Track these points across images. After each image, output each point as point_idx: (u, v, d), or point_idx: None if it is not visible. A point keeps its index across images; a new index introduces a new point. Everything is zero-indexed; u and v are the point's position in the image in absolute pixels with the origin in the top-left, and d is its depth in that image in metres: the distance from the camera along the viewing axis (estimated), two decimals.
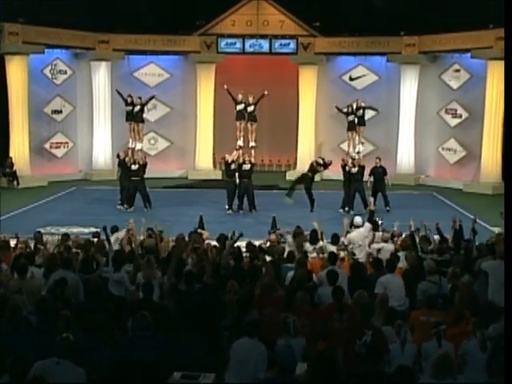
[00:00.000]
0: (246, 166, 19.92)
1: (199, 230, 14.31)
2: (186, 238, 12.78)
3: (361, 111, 21.57)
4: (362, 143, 21.89)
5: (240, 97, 20.90)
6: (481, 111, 24.69)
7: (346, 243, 12.60)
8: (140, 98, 21.50)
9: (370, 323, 7.58)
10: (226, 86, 21.15)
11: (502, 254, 9.94)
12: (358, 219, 13.63)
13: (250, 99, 20.88)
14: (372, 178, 20.49)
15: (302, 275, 9.47)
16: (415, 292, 9.60)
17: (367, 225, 13.10)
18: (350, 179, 20.21)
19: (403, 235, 13.31)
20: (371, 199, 16.26)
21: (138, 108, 21.28)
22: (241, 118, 21.11)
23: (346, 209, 19.95)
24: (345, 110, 21.78)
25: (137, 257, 11.00)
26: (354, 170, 20.07)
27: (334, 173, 23.06)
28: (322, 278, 9.69)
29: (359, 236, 12.89)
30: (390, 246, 12.55)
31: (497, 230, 16.48)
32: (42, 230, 14.44)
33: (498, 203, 21.76)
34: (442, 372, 6.32)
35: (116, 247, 12.04)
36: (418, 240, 12.41)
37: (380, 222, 13.96)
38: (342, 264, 11.04)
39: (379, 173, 20.51)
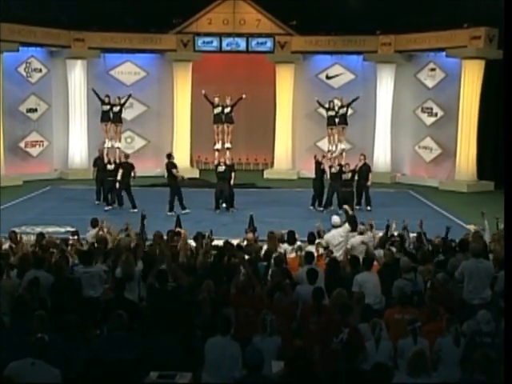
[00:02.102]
0: (221, 168, 19.83)
1: (178, 229, 14.23)
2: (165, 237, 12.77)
3: (344, 109, 21.40)
4: (341, 141, 21.61)
5: (217, 100, 20.82)
6: (456, 110, 24.88)
7: (323, 244, 12.57)
8: (119, 97, 21.40)
9: (346, 321, 7.60)
10: (203, 92, 21.04)
11: (475, 252, 10.08)
12: (336, 219, 13.60)
13: (227, 101, 20.80)
14: (356, 176, 20.25)
15: (278, 274, 9.47)
16: (390, 289, 9.66)
17: (346, 226, 13.09)
18: (321, 177, 20.17)
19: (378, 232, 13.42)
20: (346, 206, 15.76)
21: (117, 108, 21.19)
22: (218, 121, 21.03)
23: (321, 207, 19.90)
24: (326, 105, 21.62)
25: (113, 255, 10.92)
26: (335, 169, 19.95)
27: (310, 171, 23.07)
28: (300, 277, 9.71)
29: (336, 235, 12.90)
30: (358, 238, 12.58)
31: (472, 227, 16.64)
32: (17, 230, 14.27)
33: (473, 201, 22.21)
34: (417, 369, 6.36)
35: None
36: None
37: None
38: (318, 262, 11.06)
39: (364, 170, 20.46)
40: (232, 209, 19.71)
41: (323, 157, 20.71)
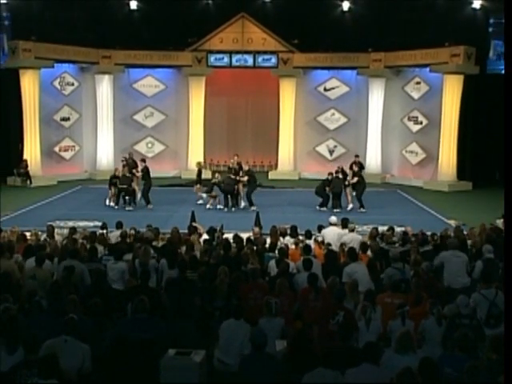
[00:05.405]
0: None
1: (194, 224, 14.22)
2: (181, 231, 12.80)
3: None
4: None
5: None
6: (438, 118, 24.83)
7: (319, 239, 12.54)
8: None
9: (341, 305, 7.60)
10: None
11: (453, 245, 10.11)
12: (333, 218, 13.60)
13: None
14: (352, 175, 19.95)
15: (283, 265, 9.48)
16: (379, 277, 9.66)
17: (346, 231, 13.04)
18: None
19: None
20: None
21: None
22: None
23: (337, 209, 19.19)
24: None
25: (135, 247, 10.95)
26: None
27: (310, 173, 23.15)
28: (299, 267, 9.71)
29: (332, 232, 12.88)
30: (357, 236, 12.56)
31: (452, 222, 16.66)
32: (52, 224, 14.34)
33: (453, 199, 22.16)
34: (404, 347, 6.38)
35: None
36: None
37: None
38: (316, 253, 11.06)
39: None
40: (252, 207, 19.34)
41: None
